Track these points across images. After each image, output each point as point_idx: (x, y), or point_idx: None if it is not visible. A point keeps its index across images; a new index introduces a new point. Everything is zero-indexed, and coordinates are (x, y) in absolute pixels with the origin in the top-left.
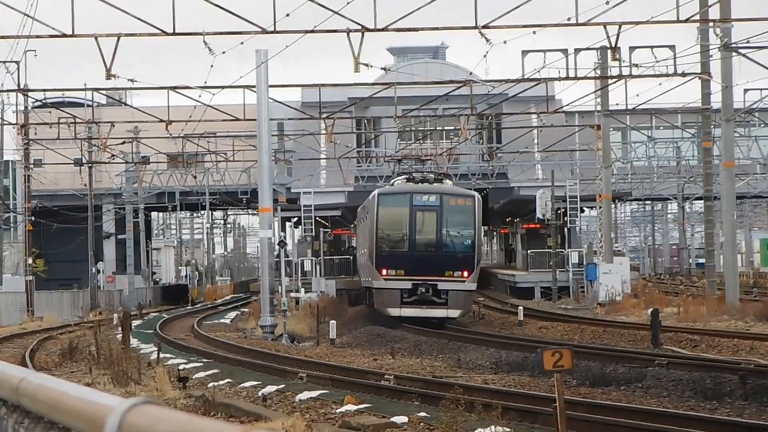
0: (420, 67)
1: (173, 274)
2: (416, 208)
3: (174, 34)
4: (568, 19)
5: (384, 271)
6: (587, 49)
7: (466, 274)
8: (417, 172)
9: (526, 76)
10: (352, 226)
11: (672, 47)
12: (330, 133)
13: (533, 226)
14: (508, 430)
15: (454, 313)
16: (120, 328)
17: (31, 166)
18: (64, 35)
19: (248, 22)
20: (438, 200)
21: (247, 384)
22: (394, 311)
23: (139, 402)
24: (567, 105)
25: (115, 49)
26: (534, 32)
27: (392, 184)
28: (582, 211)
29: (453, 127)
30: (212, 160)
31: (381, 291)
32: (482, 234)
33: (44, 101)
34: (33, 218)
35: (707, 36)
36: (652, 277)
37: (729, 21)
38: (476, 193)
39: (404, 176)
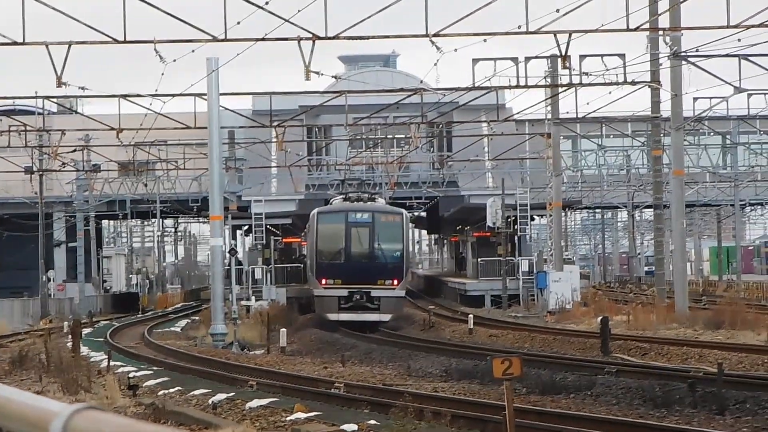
0: (371, 76)
1: (124, 282)
2: (351, 225)
3: (125, 42)
4: (519, 27)
5: (323, 281)
6: (537, 57)
7: (395, 282)
8: (352, 192)
9: (476, 85)
10: (302, 234)
11: (622, 56)
12: (281, 141)
13: (483, 234)
14: None
15: (385, 317)
16: (70, 336)
17: None
18: (15, 43)
19: (199, 30)
20: (370, 217)
21: (198, 392)
22: (333, 316)
23: (82, 407)
24: (517, 113)
25: (66, 56)
26: (485, 40)
27: (331, 203)
28: (532, 219)
29: (404, 136)
30: (163, 168)
31: (321, 298)
32: (410, 246)
33: None
34: None
35: (657, 44)
36: (602, 286)
37: (678, 29)
38: (404, 211)
39: (341, 196)
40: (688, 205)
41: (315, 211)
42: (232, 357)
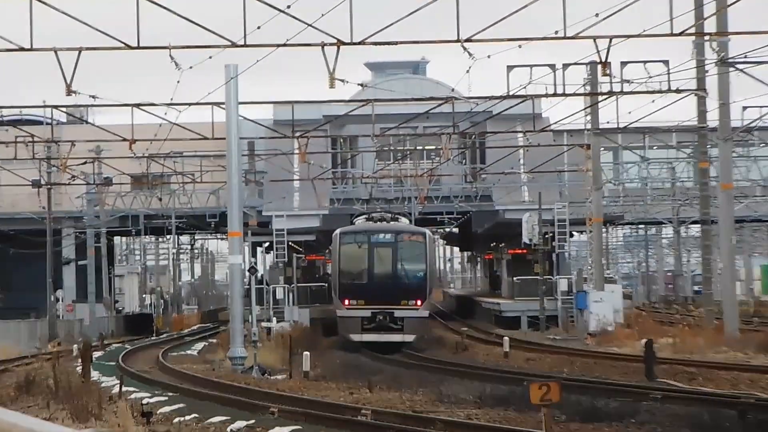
0: (399, 83)
1: (137, 302)
2: (374, 245)
3: (138, 47)
4: (556, 32)
5: (346, 301)
6: (576, 63)
7: (419, 302)
8: (375, 213)
9: (511, 93)
10: (327, 251)
11: (666, 62)
12: (303, 153)
13: (519, 251)
14: None
15: (409, 337)
16: (80, 360)
17: None
18: (22, 49)
19: (217, 35)
20: (393, 237)
21: (215, 419)
22: (356, 337)
23: None
24: (555, 123)
25: (76, 63)
26: (520, 46)
27: (353, 224)
28: (571, 235)
29: (434, 147)
30: (179, 181)
31: (344, 318)
32: (434, 265)
33: (0, 119)
34: None
35: (703, 50)
36: (646, 306)
37: (726, 35)
38: (427, 230)
39: (364, 216)
40: (738, 220)
41: (337, 231)
42: (252, 382)
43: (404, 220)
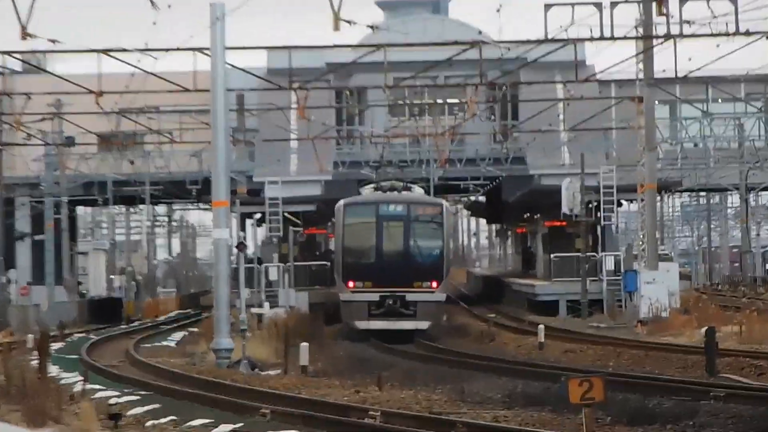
0: (417, 25)
1: (104, 284)
2: (383, 218)
3: None
4: None
5: (351, 283)
6: (627, 1)
7: (434, 284)
8: (385, 181)
9: (549, 37)
10: (329, 224)
11: (734, 0)
12: (303, 108)
13: (558, 223)
14: None
15: (423, 324)
16: (36, 353)
17: None
18: None
19: None
20: (405, 209)
21: (196, 422)
22: (362, 324)
23: None
24: (601, 72)
25: (33, 1)
26: None
27: (360, 194)
28: (620, 204)
29: (458, 100)
30: (154, 141)
31: (348, 303)
32: (450, 243)
33: None
34: None
35: None
36: (708, 288)
37: None
38: (444, 201)
39: (372, 185)
40: None
41: (341, 203)
42: (240, 378)
43: (418, 190)
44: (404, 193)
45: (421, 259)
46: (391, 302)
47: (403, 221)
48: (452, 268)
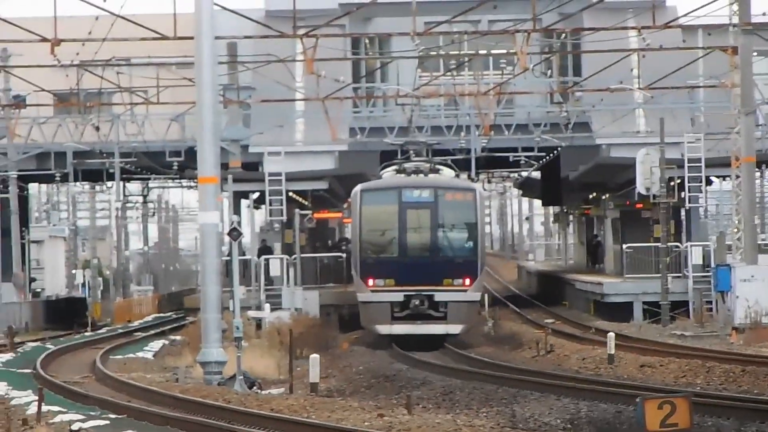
0: None
1: (64, 281)
2: (406, 206)
3: None
4: None
5: (370, 281)
6: None
7: (467, 281)
8: (409, 162)
9: None
10: (345, 206)
11: None
12: (311, 61)
13: (632, 206)
14: None
15: (454, 328)
16: None
17: None
18: None
19: None
20: (432, 195)
21: None
22: (384, 328)
23: None
24: (685, 15)
25: None
26: None
27: (380, 177)
28: (709, 182)
29: (504, 51)
30: (125, 102)
31: (368, 305)
32: (485, 234)
33: None
34: None
35: None
36: None
37: None
38: (478, 186)
39: (394, 167)
40: None
41: (358, 188)
42: (235, 399)
43: (448, 172)
44: (431, 176)
45: (451, 253)
46: (417, 303)
47: (430, 209)
48: (500, 262)
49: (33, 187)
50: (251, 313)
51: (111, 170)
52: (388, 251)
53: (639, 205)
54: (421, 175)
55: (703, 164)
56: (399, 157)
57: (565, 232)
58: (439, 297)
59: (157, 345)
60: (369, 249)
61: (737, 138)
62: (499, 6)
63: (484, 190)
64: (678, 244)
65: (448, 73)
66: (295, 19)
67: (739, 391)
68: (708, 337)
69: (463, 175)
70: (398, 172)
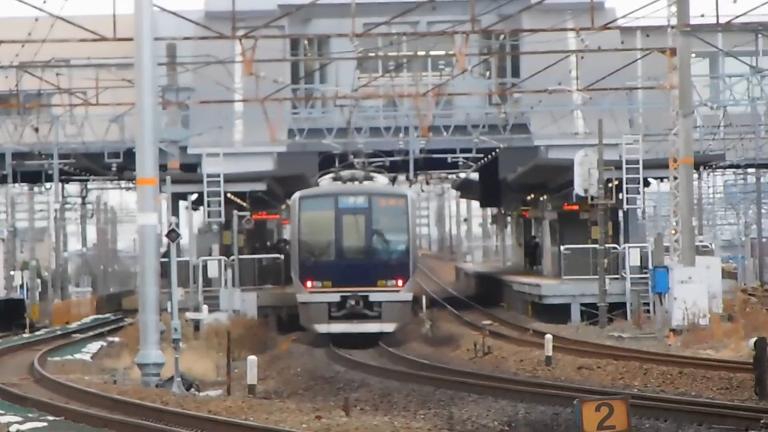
0: None
1: (2, 282)
2: (342, 212)
3: None
4: None
5: (309, 283)
6: None
7: (400, 282)
8: (343, 170)
9: None
10: (284, 207)
11: None
12: (250, 62)
13: (570, 207)
14: None
15: (388, 327)
16: None
17: None
18: None
19: None
20: (366, 201)
21: None
22: (322, 327)
23: None
24: (624, 17)
25: None
26: None
27: (318, 185)
28: (647, 184)
29: (443, 53)
30: (64, 103)
31: (307, 305)
32: (416, 237)
33: None
34: None
35: None
36: (758, 290)
37: None
38: (409, 191)
39: (330, 175)
40: None
41: (296, 195)
42: (172, 401)
43: (381, 179)
44: (366, 183)
45: (384, 256)
46: (353, 303)
47: (365, 215)
48: (439, 264)
49: None
50: (189, 315)
51: (50, 171)
52: (326, 255)
53: (576, 207)
54: (357, 183)
55: (641, 166)
56: (337, 158)
57: (503, 234)
58: (373, 297)
59: (95, 346)
60: (307, 252)
61: (675, 139)
62: (437, 7)
63: (422, 191)
64: (616, 245)
65: (387, 74)
66: (234, 20)
67: (676, 392)
68: (646, 339)
69: (401, 177)
70: (335, 179)
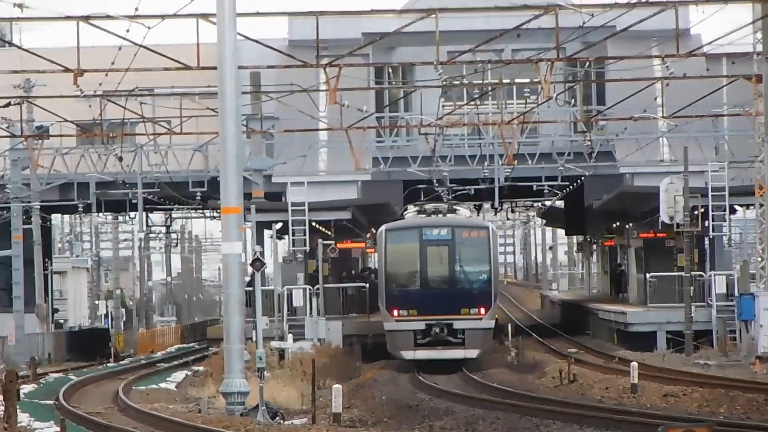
0: None
1: (86, 312)
2: (426, 243)
3: None
4: None
5: (395, 312)
6: None
7: (483, 310)
8: (428, 203)
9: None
10: (368, 235)
11: None
12: (334, 91)
13: (655, 235)
14: None
15: (472, 353)
16: (1, 397)
17: None
18: None
19: None
20: (449, 233)
21: None
22: (408, 354)
23: None
24: (709, 44)
25: None
26: None
27: (403, 217)
28: (733, 211)
29: (528, 80)
30: (147, 132)
31: (393, 333)
32: (498, 267)
33: None
34: None
35: None
36: None
37: None
38: (490, 224)
39: (415, 209)
40: None
41: (383, 228)
42: (257, 429)
43: (464, 212)
44: (449, 215)
45: (467, 285)
46: (437, 330)
47: (448, 246)
48: (524, 292)
49: (56, 218)
50: (274, 344)
51: (134, 201)
52: (411, 284)
53: (663, 234)
54: (440, 215)
55: (727, 193)
56: (422, 187)
57: (588, 261)
58: (457, 325)
59: (180, 376)
60: (394, 283)
61: (761, 166)
62: (522, 35)
63: (508, 219)
64: (702, 273)
65: (472, 103)
66: (318, 48)
67: (762, 420)
68: (731, 366)
69: (486, 205)
70: (419, 212)
